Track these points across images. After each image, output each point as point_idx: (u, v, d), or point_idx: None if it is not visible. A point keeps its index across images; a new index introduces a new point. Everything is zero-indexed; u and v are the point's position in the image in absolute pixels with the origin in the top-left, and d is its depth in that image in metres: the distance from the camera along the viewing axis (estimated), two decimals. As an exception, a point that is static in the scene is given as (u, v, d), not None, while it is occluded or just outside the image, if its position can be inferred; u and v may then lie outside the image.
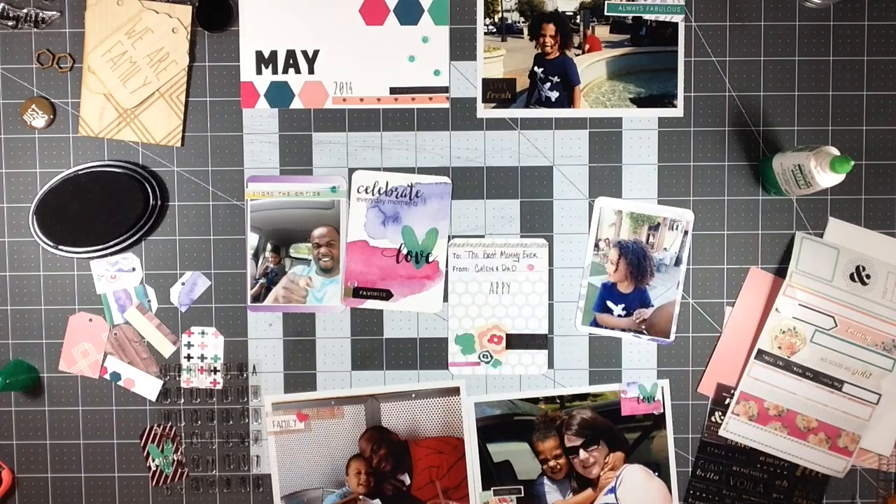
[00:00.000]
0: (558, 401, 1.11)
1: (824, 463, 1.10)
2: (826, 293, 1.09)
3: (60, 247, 1.08)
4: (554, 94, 1.11)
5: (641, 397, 1.11)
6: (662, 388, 1.11)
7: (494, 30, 1.11)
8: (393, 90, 1.11)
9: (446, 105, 1.11)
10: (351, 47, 1.11)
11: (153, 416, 1.12)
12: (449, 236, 1.11)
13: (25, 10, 1.10)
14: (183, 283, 1.12)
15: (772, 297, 1.10)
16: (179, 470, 1.12)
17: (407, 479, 1.11)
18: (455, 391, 1.11)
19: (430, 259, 1.11)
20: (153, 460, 1.12)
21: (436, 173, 1.11)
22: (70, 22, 1.11)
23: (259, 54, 1.11)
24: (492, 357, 1.12)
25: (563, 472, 1.11)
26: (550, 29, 1.11)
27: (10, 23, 1.10)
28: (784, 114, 1.11)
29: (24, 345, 1.12)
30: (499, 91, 1.11)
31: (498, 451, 1.11)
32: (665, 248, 1.11)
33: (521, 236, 1.12)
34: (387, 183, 1.11)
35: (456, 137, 1.11)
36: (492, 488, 1.11)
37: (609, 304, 1.11)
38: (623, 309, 1.11)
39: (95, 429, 1.12)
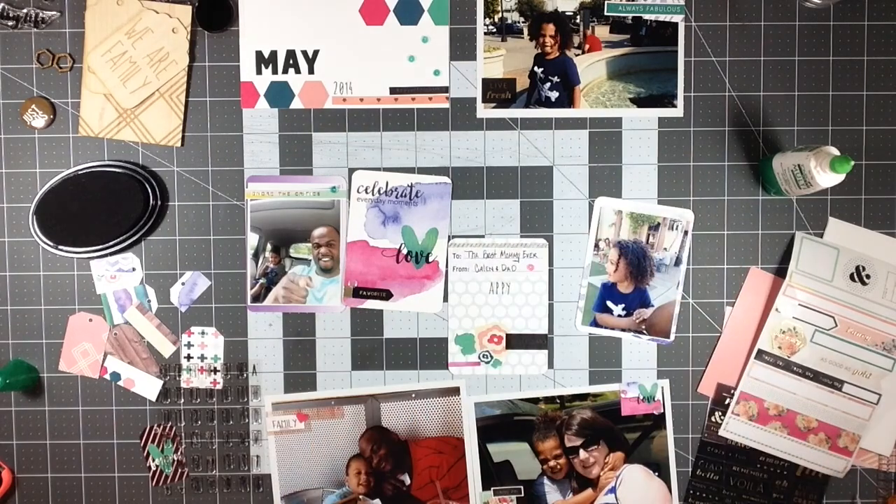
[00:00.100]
0: (558, 401, 1.11)
1: (824, 463, 1.10)
2: (826, 293, 1.09)
3: (60, 247, 1.08)
4: (554, 94, 1.11)
5: (641, 397, 1.11)
6: (662, 388, 1.11)
7: (494, 30, 1.11)
8: (393, 90, 1.11)
9: (446, 105, 1.11)
10: (351, 47, 1.11)
11: (153, 416, 1.12)
12: (449, 236, 1.11)
13: (25, 10, 1.10)
14: (183, 283, 1.12)
15: (772, 297, 1.10)
16: (179, 470, 1.12)
17: (407, 479, 1.11)
18: (455, 391, 1.11)
19: (430, 259, 1.11)
20: (153, 460, 1.12)
21: (436, 173, 1.11)
22: (70, 22, 1.11)
23: (259, 54, 1.11)
24: (492, 357, 1.12)
25: (563, 472, 1.11)
26: (550, 29, 1.11)
27: (10, 23, 1.10)
28: (784, 114, 1.11)
29: (24, 345, 1.12)
30: (499, 91, 1.11)
31: (498, 451, 1.11)
32: (665, 248, 1.11)
33: (521, 236, 1.12)
34: (387, 183, 1.11)
35: (456, 137, 1.11)
36: (492, 488, 1.11)
37: (609, 304, 1.11)
38: (623, 309, 1.11)
39: (95, 429, 1.12)
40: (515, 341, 1.12)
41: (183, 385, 1.12)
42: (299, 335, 1.12)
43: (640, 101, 1.11)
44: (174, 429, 1.12)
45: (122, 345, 1.12)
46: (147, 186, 1.09)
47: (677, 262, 1.11)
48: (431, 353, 1.12)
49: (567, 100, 1.11)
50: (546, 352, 1.11)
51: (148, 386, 1.12)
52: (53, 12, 1.10)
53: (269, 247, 1.11)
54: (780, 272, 1.11)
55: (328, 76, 1.11)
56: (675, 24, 1.11)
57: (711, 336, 1.12)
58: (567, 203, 1.11)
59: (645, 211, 1.11)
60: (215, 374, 1.12)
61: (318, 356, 1.12)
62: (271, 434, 1.12)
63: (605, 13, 1.11)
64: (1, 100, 1.11)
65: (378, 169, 1.11)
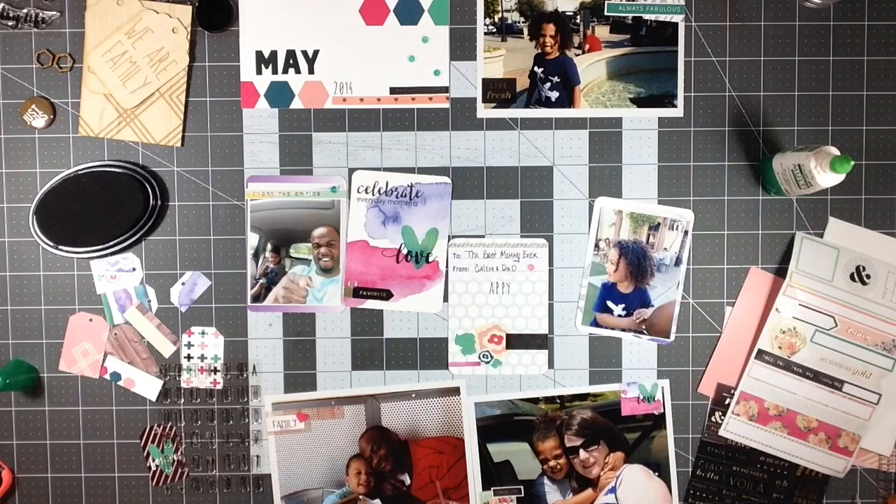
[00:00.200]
0: (558, 401, 1.11)
1: (824, 463, 1.10)
2: (826, 293, 1.09)
3: (60, 247, 1.08)
4: (554, 94, 1.11)
5: (641, 397, 1.11)
6: (662, 388, 1.11)
7: (494, 30, 1.11)
8: (393, 90, 1.11)
9: (446, 105, 1.11)
10: (351, 47, 1.11)
11: (153, 416, 1.12)
12: (449, 236, 1.11)
13: (25, 10, 1.10)
14: (183, 283, 1.12)
15: (772, 297, 1.10)
16: (179, 470, 1.12)
17: (407, 479, 1.11)
18: (455, 391, 1.11)
19: (430, 259, 1.11)
20: (153, 460, 1.12)
21: (436, 173, 1.11)
22: (70, 22, 1.11)
23: (259, 54, 1.11)
24: (492, 357, 1.12)
25: (563, 472, 1.11)
26: (550, 29, 1.11)
27: (10, 23, 1.10)
28: (784, 114, 1.11)
29: (24, 345, 1.12)
30: (499, 91, 1.11)
31: (498, 451, 1.11)
32: (665, 248, 1.11)
33: (521, 236, 1.12)
34: (387, 183, 1.11)
35: (456, 137, 1.11)
36: (492, 488, 1.11)
37: (609, 304, 1.11)
38: (623, 309, 1.11)
39: (95, 429, 1.12)
40: (515, 341, 1.12)
41: (183, 385, 1.12)
42: (299, 335, 1.12)
43: (640, 101, 1.11)
44: (174, 429, 1.12)
45: (122, 345, 1.12)
46: (147, 186, 1.09)
47: (677, 262, 1.11)
48: (431, 353, 1.12)
49: (567, 100, 1.11)
50: (546, 352, 1.11)
51: (148, 386, 1.12)
52: (53, 12, 1.10)
53: (269, 247, 1.11)
54: (781, 272, 1.11)
55: (328, 76, 1.11)
56: (675, 24, 1.11)
57: (711, 336, 1.12)
58: (567, 203, 1.11)
59: (645, 211, 1.11)
60: (215, 374, 1.12)
61: (318, 356, 1.12)
62: (271, 434, 1.12)
63: (605, 13, 1.11)
64: (1, 100, 1.11)
65: (378, 169, 1.11)
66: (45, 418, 1.12)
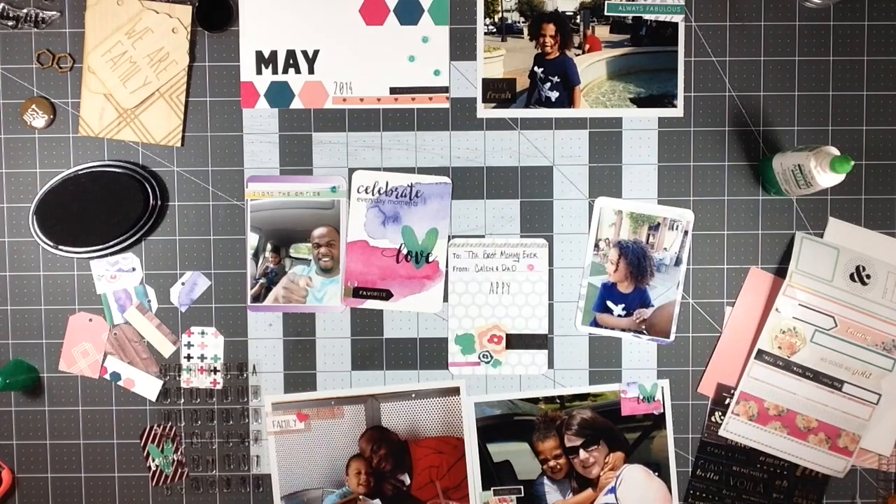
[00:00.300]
0: (558, 401, 1.11)
1: (824, 463, 1.10)
2: (826, 293, 1.09)
3: (60, 247, 1.08)
4: (554, 94, 1.11)
5: (641, 397, 1.11)
6: (662, 388, 1.11)
7: (494, 30, 1.11)
8: (393, 90, 1.11)
9: (446, 105, 1.11)
10: (351, 47, 1.11)
11: (153, 416, 1.12)
12: (449, 236, 1.11)
13: (25, 10, 1.10)
14: (183, 283, 1.12)
15: (772, 297, 1.10)
16: (179, 470, 1.12)
17: (407, 479, 1.11)
18: (455, 391, 1.11)
19: (430, 259, 1.11)
20: (153, 460, 1.12)
21: (436, 173, 1.11)
22: (70, 22, 1.11)
23: (259, 54, 1.11)
24: (492, 357, 1.12)
25: (563, 472, 1.11)
26: (550, 29, 1.11)
27: (10, 23, 1.10)
28: (784, 114, 1.11)
29: (24, 345, 1.12)
30: (499, 91, 1.11)
31: (498, 451, 1.11)
32: (665, 248, 1.11)
33: (521, 236, 1.12)
34: (387, 183, 1.11)
35: (456, 137, 1.11)
36: (492, 488, 1.11)
37: (609, 304, 1.11)
38: (623, 309, 1.11)
39: (95, 429, 1.12)
40: (515, 341, 1.12)
41: (183, 385, 1.12)
42: (299, 335, 1.12)
43: (640, 101, 1.11)
44: (174, 429, 1.12)
45: (122, 345, 1.12)
46: (147, 186, 1.09)
47: (677, 262, 1.11)
48: (431, 353, 1.12)
49: (567, 100, 1.11)
50: (546, 352, 1.11)
51: (148, 386, 1.12)
52: (53, 12, 1.10)
53: (269, 247, 1.11)
54: (780, 272, 1.11)
55: (328, 76, 1.11)
56: (675, 24, 1.11)
57: (711, 336, 1.12)
58: (567, 203, 1.11)
59: (645, 211, 1.11)
60: (215, 374, 1.12)
61: (318, 356, 1.12)
62: (271, 434, 1.12)
63: (605, 13, 1.11)
64: (1, 100, 1.11)
65: (378, 169, 1.11)
66: (45, 418, 1.12)
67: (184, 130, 1.11)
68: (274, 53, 1.11)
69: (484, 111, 1.11)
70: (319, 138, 1.11)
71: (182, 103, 1.11)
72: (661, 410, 1.11)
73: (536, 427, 1.11)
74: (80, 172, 1.09)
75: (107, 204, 1.08)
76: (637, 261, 1.10)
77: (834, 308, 1.09)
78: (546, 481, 1.11)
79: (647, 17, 1.11)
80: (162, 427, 1.12)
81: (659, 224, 1.11)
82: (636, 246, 1.11)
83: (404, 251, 1.11)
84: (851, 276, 1.09)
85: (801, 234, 1.11)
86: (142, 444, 1.12)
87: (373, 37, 1.11)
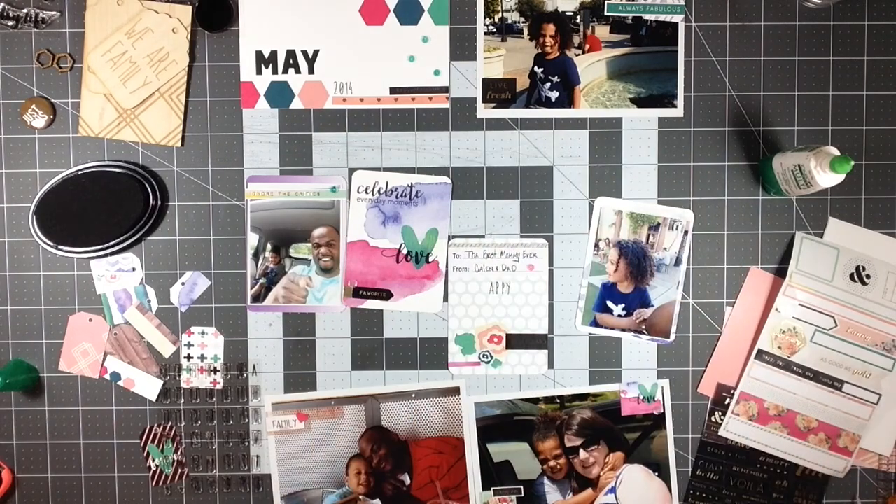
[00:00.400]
0: (558, 401, 1.11)
1: (824, 463, 1.10)
2: (826, 293, 1.09)
3: (60, 247, 1.08)
4: (554, 94, 1.11)
5: (641, 397, 1.11)
6: (662, 388, 1.11)
7: (494, 30, 1.11)
8: (393, 90, 1.11)
9: (446, 105, 1.11)
10: (351, 47, 1.11)
11: (153, 416, 1.12)
12: (449, 236, 1.11)
13: (25, 10, 1.10)
14: (183, 283, 1.12)
15: (772, 297, 1.10)
16: (179, 470, 1.12)
17: (407, 479, 1.11)
18: (455, 391, 1.11)
19: (430, 259, 1.11)
20: (153, 460, 1.12)
21: (436, 173, 1.11)
22: (70, 22, 1.11)
23: (259, 54, 1.11)
24: (492, 357, 1.12)
25: (563, 472, 1.11)
26: (550, 29, 1.11)
27: (10, 23, 1.10)
28: (784, 114, 1.11)
29: (24, 345, 1.12)
30: (499, 91, 1.11)
31: (498, 451, 1.11)
32: (665, 248, 1.11)
33: (521, 236, 1.12)
34: (387, 183, 1.11)
35: (456, 137, 1.11)
36: (492, 488, 1.11)
37: (609, 304, 1.11)
38: (623, 309, 1.11)
39: (95, 429, 1.12)
40: (515, 341, 1.12)
41: (183, 385, 1.12)
42: (299, 335, 1.12)
43: (640, 101, 1.11)
44: (174, 429, 1.12)
45: (122, 345, 1.12)
46: (147, 186, 1.09)
47: (677, 262, 1.11)
48: (431, 353, 1.12)
49: (567, 100, 1.11)
50: (546, 352, 1.11)
51: (148, 386, 1.12)
52: (53, 12, 1.10)
53: (269, 247, 1.11)
54: (780, 272, 1.11)
55: (328, 76, 1.11)
56: (675, 24, 1.11)
57: (711, 336, 1.12)
58: (567, 203, 1.11)
59: (645, 211, 1.11)
60: (215, 374, 1.12)
61: (318, 356, 1.12)
62: (271, 434, 1.12)
63: (605, 13, 1.11)
64: (1, 100, 1.11)
65: (378, 169, 1.11)
66: (45, 418, 1.12)
67: (184, 130, 1.11)
68: (274, 53, 1.11)
69: (484, 111, 1.11)
70: (319, 138, 1.11)
71: (182, 103, 1.11)
72: (661, 410, 1.11)
73: (536, 427, 1.11)
74: (80, 172, 1.09)
75: (107, 204, 1.08)
76: (637, 261, 1.10)
77: (834, 308, 1.09)
78: (546, 481, 1.11)
79: (647, 17, 1.11)
80: (162, 427, 1.12)
81: (659, 224, 1.11)
82: (636, 246, 1.11)
83: (404, 251, 1.11)
84: (851, 276, 1.09)
85: (801, 234, 1.11)
86: (142, 444, 1.12)
87: (373, 37, 1.11)
